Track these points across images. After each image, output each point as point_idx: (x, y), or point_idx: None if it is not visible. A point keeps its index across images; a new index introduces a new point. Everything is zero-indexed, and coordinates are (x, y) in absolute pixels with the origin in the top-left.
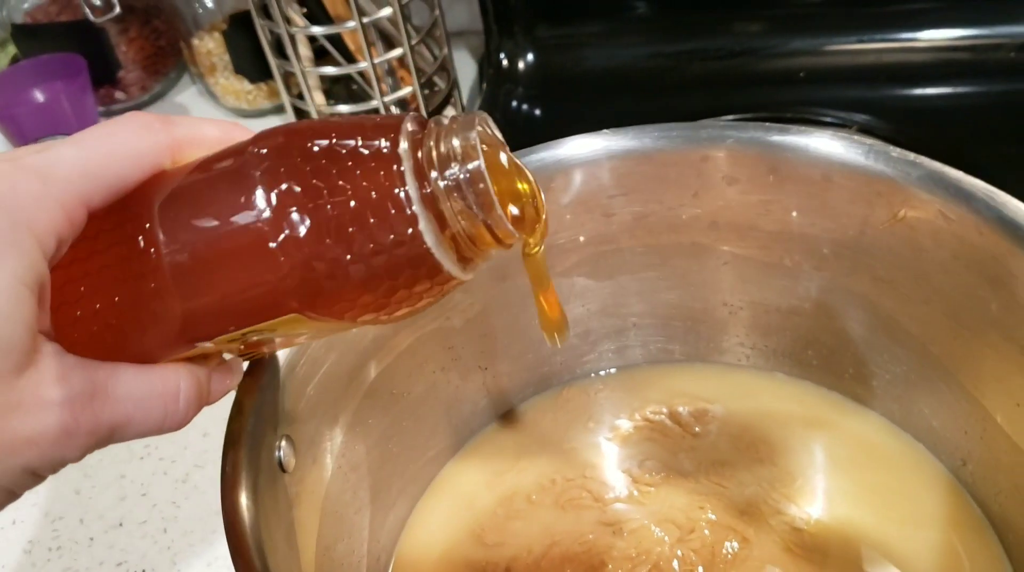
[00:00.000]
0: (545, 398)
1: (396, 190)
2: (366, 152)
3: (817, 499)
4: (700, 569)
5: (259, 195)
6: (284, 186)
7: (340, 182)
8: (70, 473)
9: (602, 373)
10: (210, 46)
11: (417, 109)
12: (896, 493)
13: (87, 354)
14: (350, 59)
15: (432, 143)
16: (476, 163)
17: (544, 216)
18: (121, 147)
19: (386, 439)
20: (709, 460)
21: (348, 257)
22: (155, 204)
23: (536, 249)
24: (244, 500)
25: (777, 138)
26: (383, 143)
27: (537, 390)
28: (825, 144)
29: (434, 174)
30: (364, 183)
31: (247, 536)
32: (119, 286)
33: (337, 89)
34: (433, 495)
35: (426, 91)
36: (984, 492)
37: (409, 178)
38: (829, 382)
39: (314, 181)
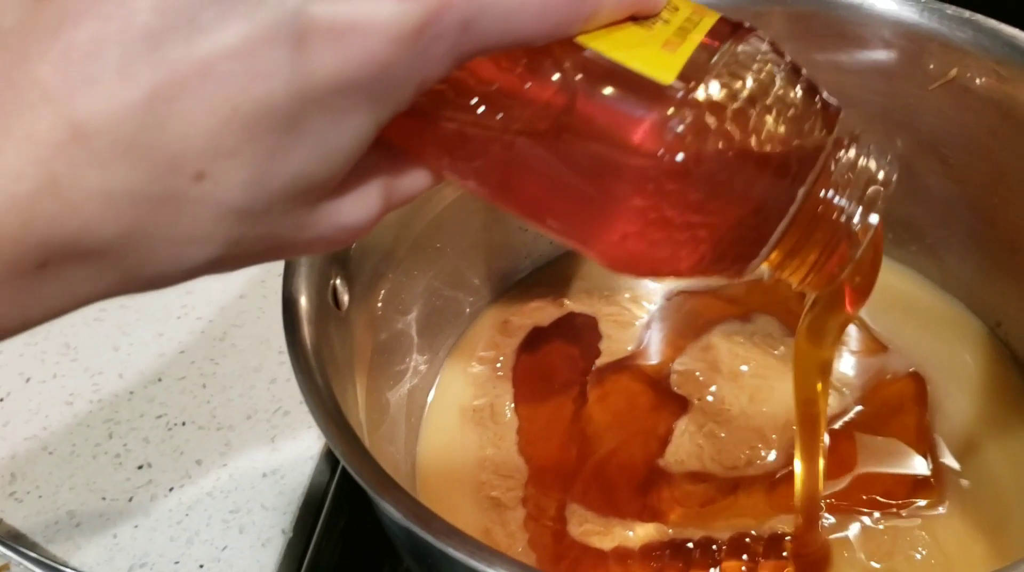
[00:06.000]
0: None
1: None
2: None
3: (851, 342)
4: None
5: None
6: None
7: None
8: (107, 330)
9: None
10: None
11: None
12: (933, 344)
13: None
14: None
15: (849, 159)
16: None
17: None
18: None
19: (430, 292)
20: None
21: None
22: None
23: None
24: (306, 327)
25: None
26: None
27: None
28: (879, 1)
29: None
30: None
31: (311, 359)
32: None
33: None
34: (469, 340)
35: None
36: (1019, 350)
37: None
38: None
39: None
